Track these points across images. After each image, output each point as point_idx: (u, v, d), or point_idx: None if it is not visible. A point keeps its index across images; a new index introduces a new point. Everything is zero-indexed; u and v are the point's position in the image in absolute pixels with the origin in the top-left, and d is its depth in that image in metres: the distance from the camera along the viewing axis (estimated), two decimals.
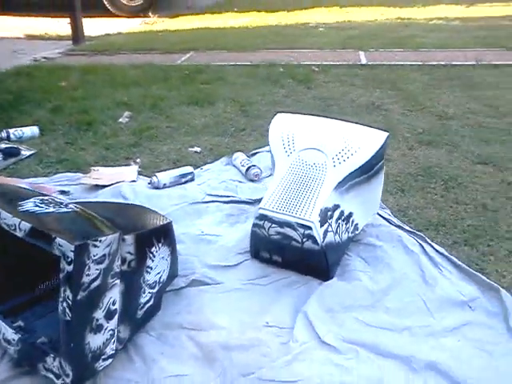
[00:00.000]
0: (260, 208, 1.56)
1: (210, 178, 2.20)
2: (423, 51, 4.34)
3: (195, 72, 3.85)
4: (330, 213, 1.55)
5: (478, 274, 1.58)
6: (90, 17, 5.26)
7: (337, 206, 1.57)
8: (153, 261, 1.34)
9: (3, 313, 1.28)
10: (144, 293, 1.32)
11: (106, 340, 1.19)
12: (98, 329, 1.15)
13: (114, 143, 2.57)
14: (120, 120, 2.89)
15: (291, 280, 1.58)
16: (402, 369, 1.26)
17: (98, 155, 2.44)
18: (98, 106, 3.12)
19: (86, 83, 3.58)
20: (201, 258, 1.65)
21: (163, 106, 3.13)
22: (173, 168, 2.26)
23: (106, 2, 6.57)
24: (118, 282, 1.19)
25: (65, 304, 1.08)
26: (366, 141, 1.64)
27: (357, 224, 1.68)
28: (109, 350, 1.20)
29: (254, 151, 2.45)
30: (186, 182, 2.15)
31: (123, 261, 1.22)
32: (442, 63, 3.90)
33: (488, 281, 1.54)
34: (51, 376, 1.15)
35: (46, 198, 1.26)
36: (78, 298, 1.08)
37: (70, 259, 1.05)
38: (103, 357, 1.19)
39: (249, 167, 2.21)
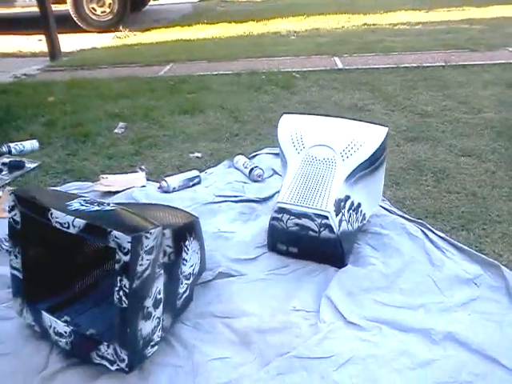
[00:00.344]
0: (278, 202, 1.67)
1: (216, 181, 2.29)
2: (394, 54, 4.55)
3: (179, 82, 3.93)
4: (342, 203, 1.67)
5: (478, 253, 1.73)
6: (60, 33, 5.26)
7: (348, 197, 1.70)
8: (187, 254, 1.42)
9: (50, 309, 1.34)
10: (181, 283, 1.40)
11: (154, 327, 1.27)
12: (148, 316, 1.23)
13: (116, 153, 2.63)
14: (116, 131, 2.95)
15: (309, 268, 1.69)
16: (423, 341, 1.38)
17: (102, 164, 2.50)
18: (91, 118, 3.17)
19: (73, 97, 3.61)
20: (222, 252, 1.75)
21: (155, 116, 3.20)
22: (178, 173, 2.35)
23: (75, 18, 6.58)
24: (162, 272, 1.27)
25: (121, 292, 1.15)
26: (370, 136, 1.77)
27: (364, 214, 1.81)
28: (156, 337, 1.28)
29: (253, 154, 2.55)
30: (193, 186, 2.24)
31: (164, 253, 1.30)
32: (414, 65, 4.11)
33: (489, 259, 1.68)
34: (105, 363, 1.22)
35: (87, 198, 1.34)
36: (134, 286, 1.16)
37: (126, 250, 1.13)
38: (151, 343, 1.27)
39: (252, 168, 2.31)
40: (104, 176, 2.26)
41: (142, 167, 2.43)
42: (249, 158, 2.48)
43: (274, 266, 1.71)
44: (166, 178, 2.22)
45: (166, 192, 2.18)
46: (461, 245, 1.78)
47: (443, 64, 4.09)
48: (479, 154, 2.53)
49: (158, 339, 1.29)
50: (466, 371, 1.26)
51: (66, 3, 6.40)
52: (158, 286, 1.26)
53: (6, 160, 2.50)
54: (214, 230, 1.88)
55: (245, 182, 2.29)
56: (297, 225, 1.66)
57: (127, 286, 1.14)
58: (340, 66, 4.24)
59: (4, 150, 2.61)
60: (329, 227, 1.61)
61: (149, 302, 1.22)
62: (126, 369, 1.19)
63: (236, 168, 2.41)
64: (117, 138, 2.86)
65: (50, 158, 2.60)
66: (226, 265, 1.68)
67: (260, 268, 1.70)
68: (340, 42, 5.10)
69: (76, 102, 3.51)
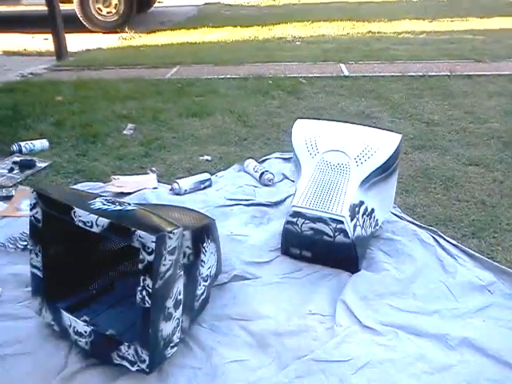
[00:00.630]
0: (293, 206, 1.68)
1: (227, 184, 2.30)
2: (399, 63, 4.58)
3: (187, 85, 3.95)
4: (357, 208, 1.68)
5: (490, 261, 1.74)
6: (66, 32, 5.27)
7: (362, 203, 1.71)
8: (205, 255, 1.43)
9: (69, 308, 1.35)
10: (199, 285, 1.41)
11: (174, 328, 1.27)
12: (169, 317, 1.24)
13: (126, 154, 2.64)
14: (125, 132, 2.96)
15: (323, 273, 1.70)
16: (439, 346, 1.40)
17: (113, 165, 2.51)
18: (99, 118, 3.17)
19: (81, 97, 3.62)
20: (236, 255, 1.75)
21: (163, 118, 3.21)
22: (189, 175, 2.36)
23: (81, 18, 6.59)
24: (182, 273, 1.28)
25: (144, 292, 1.16)
26: (384, 142, 1.79)
27: (377, 220, 1.82)
28: (175, 338, 1.29)
29: (262, 158, 2.56)
30: (204, 188, 2.25)
31: (184, 254, 1.31)
32: (420, 74, 4.14)
33: (502, 267, 1.70)
34: (125, 363, 1.23)
35: (108, 198, 1.34)
36: (156, 286, 1.16)
37: (150, 249, 1.14)
38: (171, 344, 1.28)
39: (262, 173, 2.32)
40: (115, 177, 2.27)
41: (153, 169, 2.44)
42: (259, 163, 2.49)
43: (287, 269, 1.72)
44: (178, 180, 2.23)
45: (177, 194, 2.19)
46: (473, 252, 1.80)
47: (448, 74, 4.12)
48: (487, 163, 2.55)
49: (177, 340, 1.30)
50: (483, 377, 1.27)
51: (71, 3, 6.41)
52: (179, 286, 1.26)
53: (17, 159, 2.51)
54: (227, 233, 1.89)
55: (255, 186, 2.30)
56: (311, 229, 1.67)
57: (150, 285, 1.15)
58: (346, 73, 4.27)
59: (15, 148, 2.62)
60: (344, 232, 1.63)
61: (170, 303, 1.23)
62: (147, 370, 1.20)
63: (246, 172, 2.42)
64: (126, 140, 2.87)
65: (60, 158, 2.61)
66: (240, 268, 1.69)
67: (274, 271, 1.71)
68: (345, 49, 5.13)
69: (84, 102, 3.51)
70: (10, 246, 1.86)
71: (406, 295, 1.61)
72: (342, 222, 1.62)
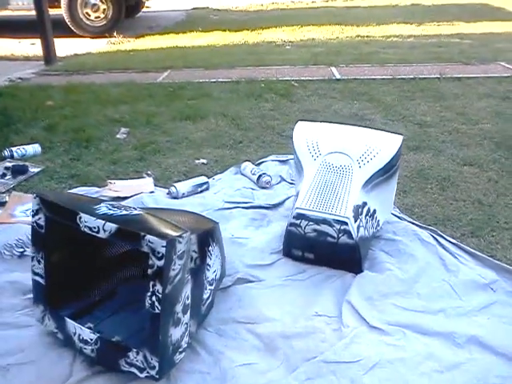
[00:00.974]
0: (297, 208, 1.67)
1: (224, 187, 2.29)
2: (389, 66, 4.61)
3: (179, 89, 3.93)
4: (360, 209, 1.68)
5: (491, 259, 1.75)
6: (54, 37, 5.22)
7: (365, 204, 1.71)
8: (210, 259, 1.41)
9: (72, 316, 1.32)
10: (206, 289, 1.39)
11: (182, 333, 1.25)
12: (178, 322, 1.22)
13: (120, 158, 2.61)
14: (118, 136, 2.93)
15: (327, 274, 1.69)
16: (447, 344, 1.40)
17: (108, 170, 2.48)
18: (91, 123, 3.14)
19: (72, 102, 3.58)
20: (239, 258, 1.74)
21: (157, 122, 3.19)
22: (185, 179, 2.34)
23: (69, 23, 6.53)
24: (189, 277, 1.26)
25: (154, 298, 1.14)
26: (386, 143, 1.79)
27: (379, 220, 1.83)
28: (183, 344, 1.27)
29: (259, 161, 2.55)
30: (202, 192, 2.24)
31: (191, 258, 1.29)
32: (411, 77, 4.17)
33: (503, 265, 1.71)
34: (134, 370, 1.20)
35: (113, 203, 1.32)
36: (166, 291, 1.14)
37: (160, 254, 1.12)
38: (180, 349, 1.26)
39: (260, 175, 2.31)
40: (112, 181, 2.24)
41: (149, 173, 2.41)
42: (255, 165, 2.48)
43: (290, 271, 1.71)
44: (175, 184, 2.21)
45: (174, 198, 2.17)
46: (473, 250, 1.81)
47: (438, 76, 4.16)
48: (481, 163, 2.57)
49: (185, 345, 1.28)
50: (493, 374, 1.28)
51: (59, 7, 6.35)
52: (187, 291, 1.24)
53: (9, 164, 2.46)
54: (229, 235, 1.87)
55: (253, 189, 2.29)
56: (315, 231, 1.66)
57: (160, 291, 1.13)
58: (338, 76, 4.29)
59: (6, 154, 2.57)
60: (348, 233, 1.62)
61: (178, 308, 1.21)
62: (157, 376, 1.17)
63: (243, 174, 2.41)
64: (119, 144, 2.84)
65: (53, 163, 2.57)
66: (243, 270, 1.67)
67: (277, 274, 1.70)
68: (335, 53, 5.15)
69: (75, 107, 3.47)
70: (6, 253, 1.82)
71: (410, 295, 1.61)
72: (346, 224, 1.62)
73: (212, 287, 1.43)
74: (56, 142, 2.83)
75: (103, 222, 1.17)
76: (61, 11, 6.41)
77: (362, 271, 1.70)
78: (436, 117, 3.28)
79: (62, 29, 6.33)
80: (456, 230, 1.99)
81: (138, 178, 2.38)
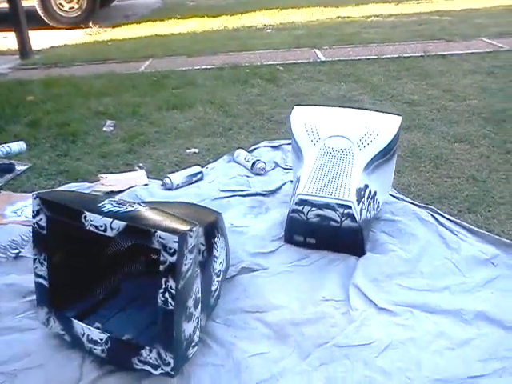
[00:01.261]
0: (299, 194, 1.66)
1: (218, 176, 2.26)
2: (373, 46, 4.60)
3: (162, 78, 3.86)
4: (362, 192, 1.67)
5: (490, 234, 1.77)
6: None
7: (366, 186, 1.70)
8: (217, 250, 1.39)
9: (78, 316, 1.29)
10: (214, 281, 1.37)
11: (194, 328, 1.23)
12: (190, 317, 1.20)
13: (109, 151, 2.56)
14: (104, 129, 2.87)
15: (330, 258, 1.69)
16: (455, 321, 1.41)
17: (97, 164, 2.43)
18: (76, 116, 3.07)
19: (53, 96, 3.48)
20: (241, 247, 1.72)
21: (143, 113, 3.13)
22: (177, 170, 2.30)
23: (42, 15, 6.35)
24: (199, 271, 1.24)
25: (167, 294, 1.11)
26: (385, 125, 1.78)
27: (379, 202, 1.82)
28: (196, 338, 1.25)
29: (251, 147, 2.53)
30: (196, 181, 2.20)
31: (199, 251, 1.27)
32: (395, 56, 4.16)
33: (503, 239, 1.73)
34: (148, 368, 1.18)
35: (116, 199, 1.29)
36: (179, 287, 1.12)
37: (172, 250, 1.09)
38: (192, 344, 1.24)
39: (254, 162, 2.29)
40: (103, 176, 2.20)
41: (140, 165, 2.37)
42: (248, 152, 2.45)
43: (293, 258, 1.70)
44: (169, 175, 2.17)
45: (169, 189, 2.14)
46: (472, 227, 1.82)
47: (423, 54, 4.15)
48: (471, 139, 2.58)
49: (197, 339, 1.26)
50: (503, 348, 1.29)
51: None
52: (197, 285, 1.22)
53: None
54: (228, 225, 1.83)
55: (248, 176, 2.26)
56: (318, 216, 1.65)
57: (173, 287, 1.10)
58: (322, 58, 4.26)
59: None
60: (351, 217, 1.62)
61: (190, 303, 1.19)
62: (172, 372, 1.15)
63: (237, 162, 2.38)
64: (107, 137, 2.78)
65: (40, 160, 2.50)
66: (247, 259, 1.66)
67: (280, 260, 1.69)
68: (318, 35, 5.11)
69: (57, 101, 3.39)
70: (1, 254, 1.78)
71: (414, 274, 1.61)
72: (349, 207, 1.61)
73: (219, 278, 1.42)
74: (41, 138, 2.76)
75: (111, 219, 1.13)
76: (33, 2, 6.23)
77: (364, 253, 1.69)
78: (423, 95, 3.28)
79: (35, 21, 6.14)
80: (453, 207, 2.00)
81: (130, 171, 2.33)
